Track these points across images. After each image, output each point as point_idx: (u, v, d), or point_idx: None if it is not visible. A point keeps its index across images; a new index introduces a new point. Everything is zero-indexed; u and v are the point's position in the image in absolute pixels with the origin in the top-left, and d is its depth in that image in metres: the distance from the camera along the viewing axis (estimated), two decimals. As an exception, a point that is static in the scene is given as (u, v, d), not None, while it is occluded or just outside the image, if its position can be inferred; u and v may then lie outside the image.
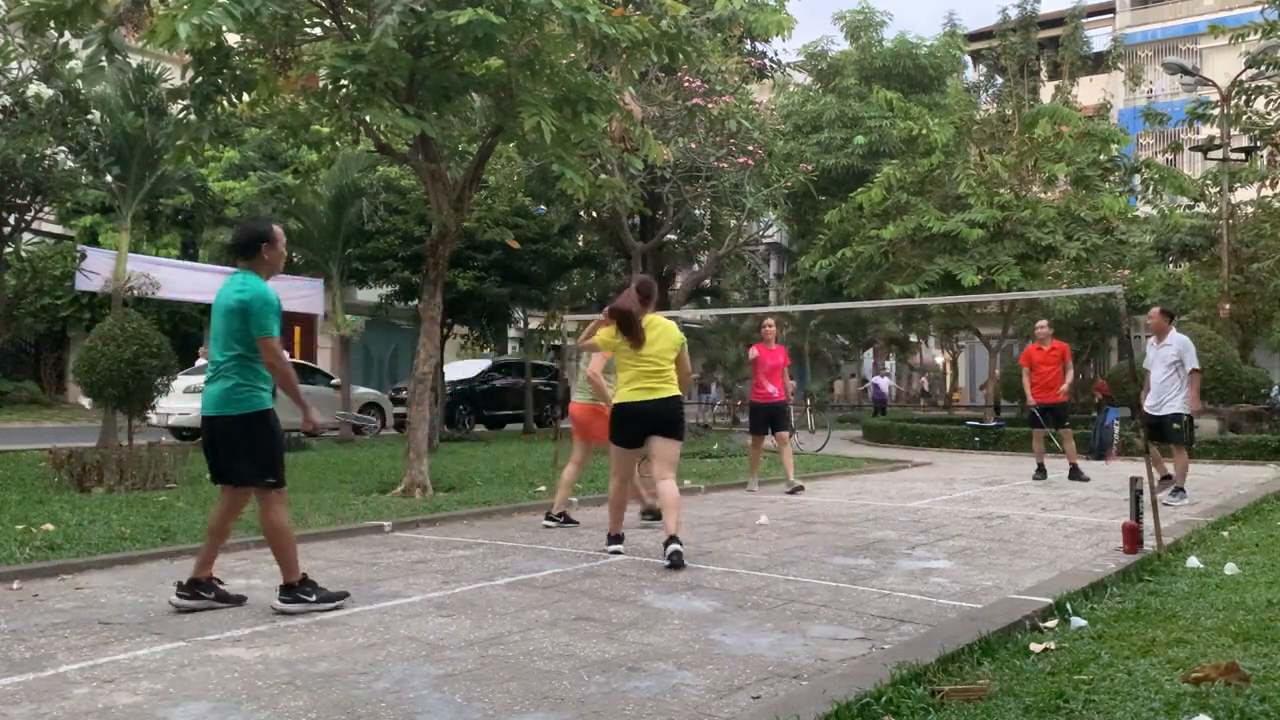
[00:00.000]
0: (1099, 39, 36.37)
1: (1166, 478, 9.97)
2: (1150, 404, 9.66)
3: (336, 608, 4.95)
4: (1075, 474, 11.80)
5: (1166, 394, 9.60)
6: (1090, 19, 37.19)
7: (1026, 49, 28.59)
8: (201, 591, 5.02)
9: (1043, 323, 12.16)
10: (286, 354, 5.10)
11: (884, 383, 36.15)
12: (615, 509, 6.93)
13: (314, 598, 4.94)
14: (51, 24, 8.25)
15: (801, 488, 10.67)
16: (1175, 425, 9.59)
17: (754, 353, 11.05)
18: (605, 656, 4.21)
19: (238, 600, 5.12)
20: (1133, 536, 6.50)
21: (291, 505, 8.21)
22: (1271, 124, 18.42)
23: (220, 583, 5.16)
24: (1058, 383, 11.77)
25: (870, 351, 40.96)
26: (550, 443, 14.05)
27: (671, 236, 21.30)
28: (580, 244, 22.50)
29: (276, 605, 4.90)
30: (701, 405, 30.11)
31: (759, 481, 11.08)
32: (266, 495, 4.98)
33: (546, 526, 7.92)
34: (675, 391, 6.53)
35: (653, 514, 7.96)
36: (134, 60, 9.81)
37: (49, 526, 6.98)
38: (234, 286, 4.92)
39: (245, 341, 4.89)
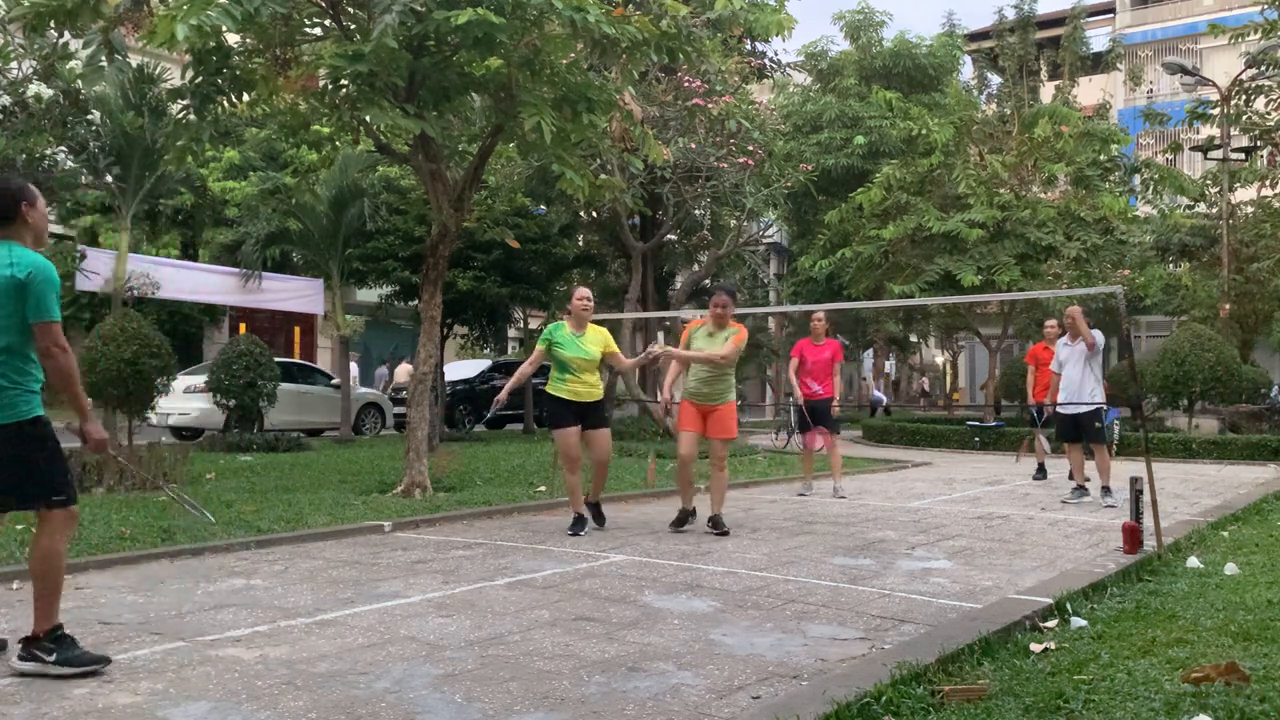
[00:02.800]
0: (1099, 39, 36.36)
1: (1081, 487, 9.97)
2: (1064, 401, 9.64)
3: (90, 673, 3.88)
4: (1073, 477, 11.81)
5: (1083, 390, 9.56)
6: (1090, 19, 37.18)
7: (1026, 49, 28.60)
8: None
9: (1051, 322, 12.13)
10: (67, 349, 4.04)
11: (878, 394, 36.19)
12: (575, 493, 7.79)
13: (53, 657, 3.90)
14: (51, 24, 8.25)
15: (843, 497, 10.25)
16: (1096, 424, 9.64)
17: (794, 360, 10.71)
18: (605, 656, 4.21)
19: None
20: (1133, 536, 6.50)
21: (291, 505, 8.28)
22: (1271, 124, 18.44)
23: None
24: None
25: (870, 351, 40.93)
26: (550, 442, 14.05)
27: (671, 236, 21.29)
28: (580, 244, 22.48)
29: (14, 664, 3.94)
30: None
31: (810, 482, 10.81)
32: (50, 516, 4.01)
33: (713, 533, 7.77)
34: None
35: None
36: (134, 60, 9.79)
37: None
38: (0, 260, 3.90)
39: (15, 328, 3.90)
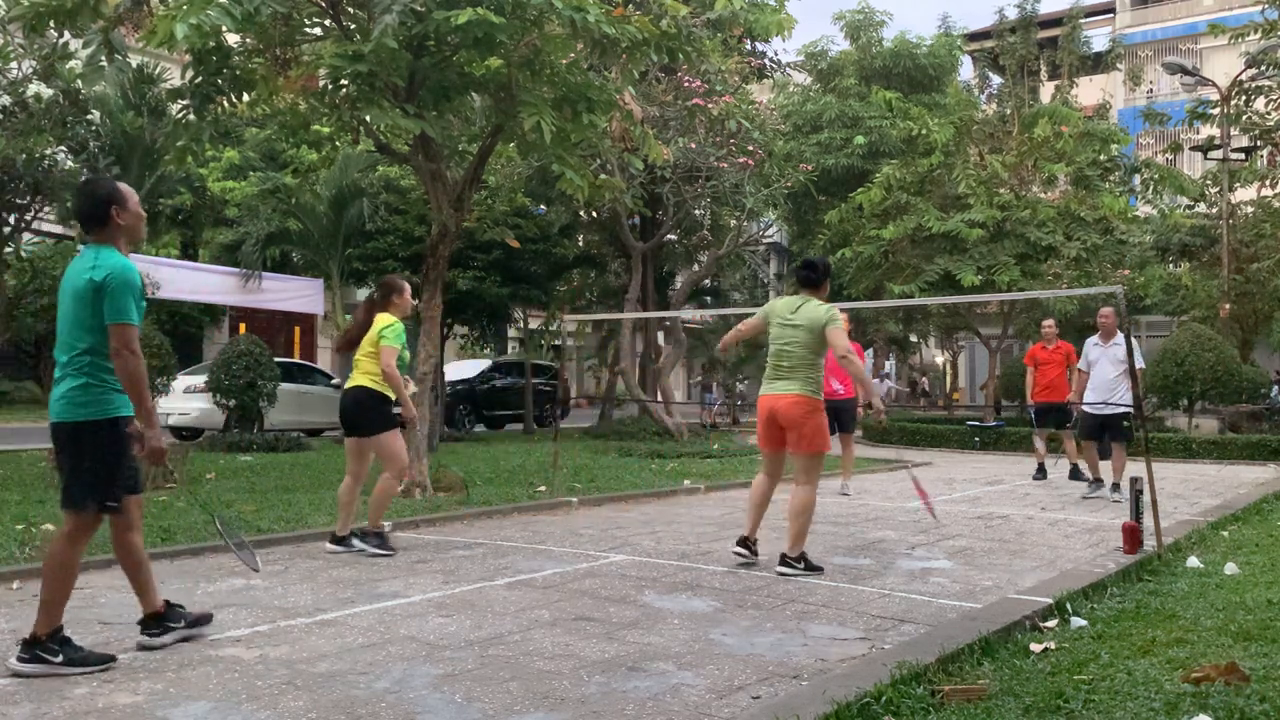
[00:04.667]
0: (1099, 39, 36.36)
1: (1098, 479, 10.19)
2: (1095, 401, 9.76)
3: (103, 669, 3.96)
4: (1075, 474, 11.81)
5: (1115, 392, 9.69)
6: (1090, 19, 37.17)
7: (1026, 49, 28.59)
8: (169, 624, 4.36)
9: (1049, 321, 12.14)
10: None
11: (883, 387, 36.14)
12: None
13: (60, 658, 3.94)
14: (51, 24, 8.25)
15: (847, 495, 10.30)
16: (1125, 423, 9.78)
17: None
18: (605, 656, 4.21)
19: (206, 618, 4.55)
20: (1133, 536, 6.50)
21: (291, 505, 8.28)
22: (1271, 124, 18.44)
23: (178, 606, 4.49)
24: (1061, 382, 11.75)
25: (870, 351, 40.94)
26: (550, 442, 14.06)
27: (671, 236, 21.29)
28: (580, 244, 22.49)
29: (12, 664, 3.94)
30: (704, 406, 30.12)
31: (849, 480, 10.80)
32: (80, 518, 4.05)
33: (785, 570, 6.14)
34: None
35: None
36: (134, 60, 9.81)
37: (49, 526, 6.97)
38: (85, 264, 4.05)
39: (99, 329, 4.00)
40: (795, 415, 5.97)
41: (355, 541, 6.64)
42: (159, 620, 4.32)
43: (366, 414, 6.63)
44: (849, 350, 6.03)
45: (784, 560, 5.97)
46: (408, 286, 6.99)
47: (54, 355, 4.13)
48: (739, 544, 6.28)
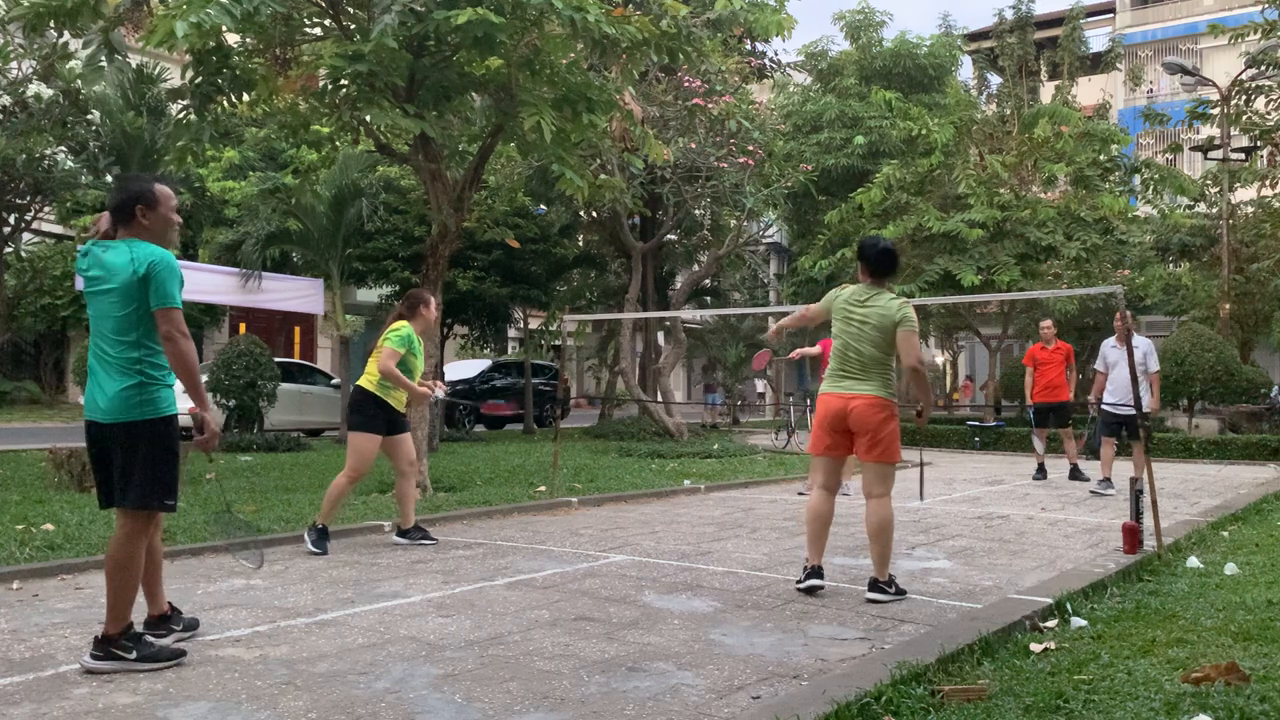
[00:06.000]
0: (1098, 39, 36.36)
1: (1107, 479, 10.44)
2: (1115, 402, 10.05)
3: (175, 664, 4.04)
4: (1075, 474, 11.83)
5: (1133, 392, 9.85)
6: (1090, 19, 37.16)
7: (1025, 49, 28.59)
8: (171, 626, 4.43)
9: (1047, 322, 12.16)
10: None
11: None
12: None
13: (134, 655, 4.00)
14: (51, 24, 8.25)
15: (847, 495, 10.07)
16: (1144, 423, 9.82)
17: (817, 349, 10.65)
18: (605, 656, 4.21)
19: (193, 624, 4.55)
20: (1133, 537, 6.50)
21: (291, 505, 8.27)
22: (1271, 124, 18.41)
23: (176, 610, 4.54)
24: (1061, 382, 11.77)
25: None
26: (550, 442, 14.06)
27: (671, 236, 21.29)
28: (580, 244, 22.49)
29: (86, 661, 4.01)
30: (705, 406, 30.13)
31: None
32: (135, 516, 4.07)
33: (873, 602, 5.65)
34: None
35: None
36: (134, 60, 9.79)
37: (49, 526, 6.98)
38: (122, 258, 4.01)
39: (144, 321, 4.01)
40: (872, 420, 5.34)
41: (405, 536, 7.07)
42: (163, 621, 4.40)
43: (351, 411, 6.92)
44: (921, 362, 5.40)
45: (875, 586, 5.38)
46: (433, 300, 7.26)
47: (91, 352, 4.11)
48: (812, 575, 5.51)
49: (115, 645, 4.00)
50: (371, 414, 6.79)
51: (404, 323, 6.90)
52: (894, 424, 5.43)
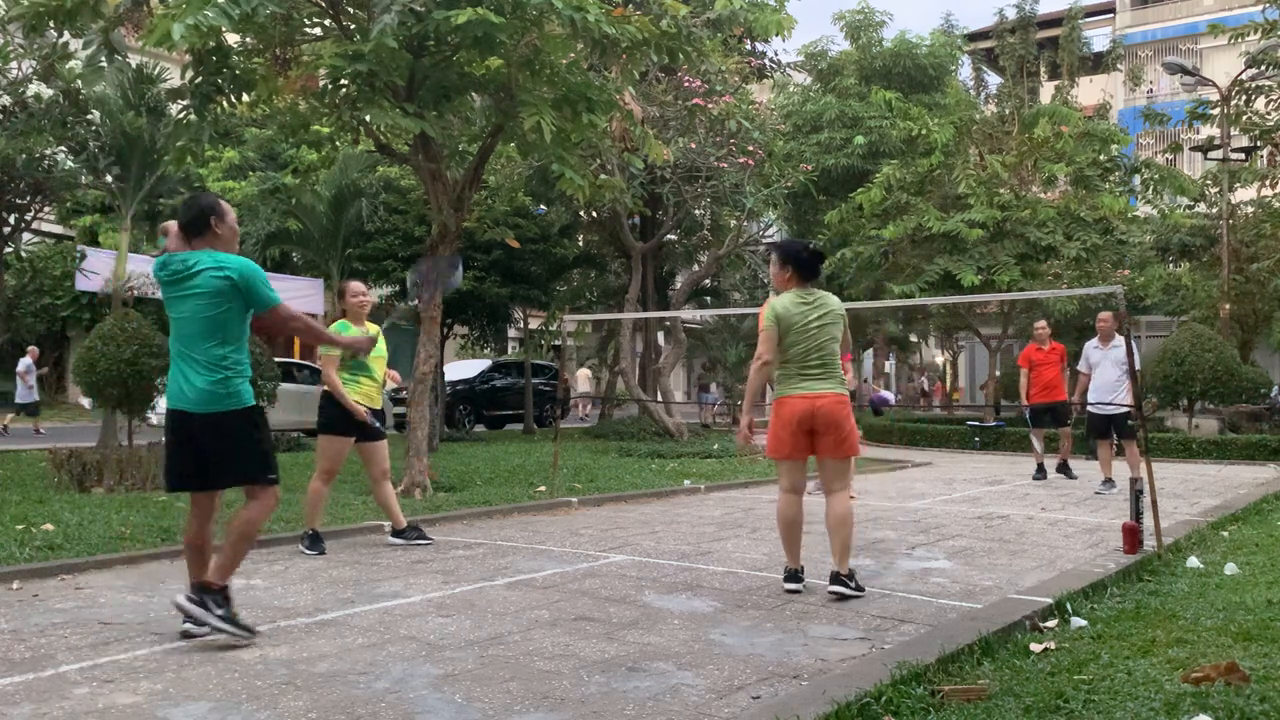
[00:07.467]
0: (1099, 39, 36.40)
1: (1109, 479, 10.51)
2: (1099, 401, 10.14)
3: (240, 642, 4.33)
4: (1063, 468, 12.08)
5: (1118, 393, 10.08)
6: (1090, 19, 37.19)
7: (1025, 49, 28.60)
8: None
9: (1041, 323, 12.20)
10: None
11: (884, 394, 36.19)
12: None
13: (220, 611, 4.37)
14: (51, 24, 8.25)
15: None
16: (1130, 421, 10.07)
17: None
18: (605, 656, 4.21)
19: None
20: (1133, 537, 6.50)
21: (291, 505, 8.26)
22: (1271, 124, 18.40)
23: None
24: (1059, 382, 11.80)
25: (870, 351, 40.96)
26: (550, 442, 14.06)
27: (671, 236, 21.28)
28: (580, 244, 22.48)
29: (179, 600, 4.42)
30: (702, 405, 30.13)
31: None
32: (265, 491, 4.60)
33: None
34: None
35: None
36: (134, 60, 9.79)
37: (49, 526, 6.98)
38: (206, 265, 4.38)
39: (233, 321, 4.44)
40: (838, 415, 5.37)
41: (401, 537, 7.04)
42: (211, 592, 4.48)
43: (318, 413, 7.00)
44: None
45: (838, 579, 5.35)
46: (353, 285, 7.07)
47: (175, 350, 4.49)
48: (791, 579, 5.54)
49: (210, 596, 4.37)
50: (336, 415, 6.88)
51: (342, 319, 6.98)
52: (853, 418, 5.53)
